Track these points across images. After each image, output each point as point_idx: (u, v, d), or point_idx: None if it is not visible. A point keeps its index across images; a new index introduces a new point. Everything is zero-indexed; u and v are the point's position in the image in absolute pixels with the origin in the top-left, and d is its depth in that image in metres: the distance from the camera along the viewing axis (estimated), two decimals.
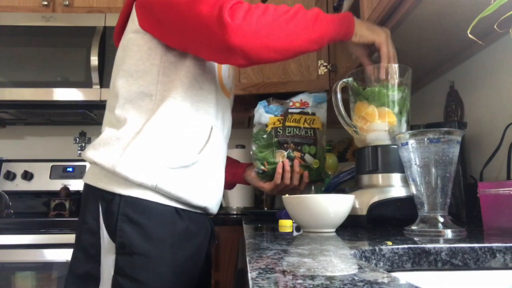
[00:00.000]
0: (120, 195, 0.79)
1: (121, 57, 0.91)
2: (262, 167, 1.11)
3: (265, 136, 1.17)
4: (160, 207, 0.81)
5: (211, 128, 0.91)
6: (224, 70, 0.98)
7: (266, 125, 1.18)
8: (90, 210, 0.82)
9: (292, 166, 1.10)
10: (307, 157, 1.12)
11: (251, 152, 1.17)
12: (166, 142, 0.83)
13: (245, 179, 1.16)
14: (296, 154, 1.11)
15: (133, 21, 0.89)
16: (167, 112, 0.85)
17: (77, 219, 0.89)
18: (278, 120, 1.18)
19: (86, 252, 0.81)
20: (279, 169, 1.07)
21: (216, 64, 0.95)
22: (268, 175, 1.12)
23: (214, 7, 0.75)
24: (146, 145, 0.81)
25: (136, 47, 0.87)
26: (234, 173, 1.15)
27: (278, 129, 1.15)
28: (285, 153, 1.11)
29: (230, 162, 1.17)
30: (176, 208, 0.84)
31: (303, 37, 0.82)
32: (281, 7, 0.81)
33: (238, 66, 0.85)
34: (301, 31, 0.81)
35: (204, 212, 0.92)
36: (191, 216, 0.87)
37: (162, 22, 0.84)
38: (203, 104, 0.90)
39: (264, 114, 1.20)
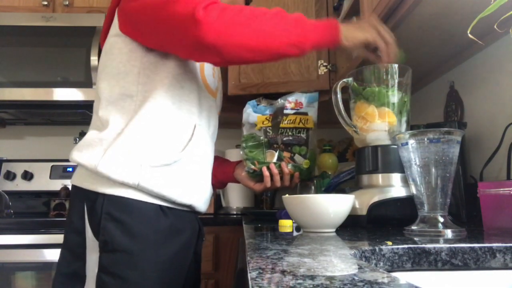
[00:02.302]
0: (104, 194, 0.81)
1: (103, 61, 0.93)
2: (253, 167, 1.11)
3: (255, 135, 1.16)
4: (143, 205, 0.82)
5: (194, 127, 0.92)
6: (207, 70, 0.98)
7: (255, 125, 1.17)
8: (76, 210, 0.84)
9: (280, 167, 1.09)
10: (297, 157, 1.12)
11: (241, 152, 1.16)
12: (147, 141, 0.84)
13: (235, 178, 1.17)
14: (286, 154, 1.11)
15: (114, 26, 0.91)
16: (149, 112, 0.86)
17: None
18: (266, 119, 1.17)
19: (72, 251, 0.83)
20: (265, 173, 1.08)
21: (198, 64, 0.96)
22: (258, 175, 1.12)
23: (188, 6, 0.75)
24: (127, 145, 0.83)
25: (117, 50, 0.90)
26: (224, 171, 1.16)
27: (268, 129, 1.15)
28: (275, 153, 1.11)
29: (220, 161, 1.18)
30: (160, 206, 0.85)
31: (281, 39, 0.80)
32: (260, 9, 0.80)
33: (214, 64, 0.85)
34: (279, 32, 0.79)
35: (190, 209, 0.93)
36: (176, 214, 0.88)
37: (139, 23, 0.86)
38: (185, 103, 0.91)
39: (252, 114, 1.20)
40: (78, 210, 0.83)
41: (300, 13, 0.84)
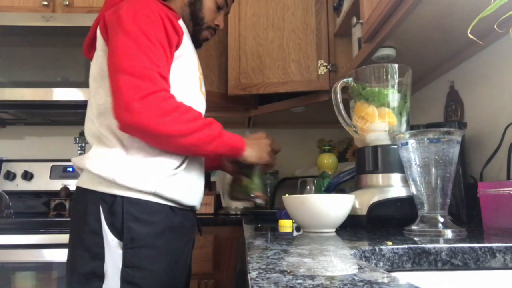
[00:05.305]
0: (122, 197, 0.86)
1: (94, 72, 0.96)
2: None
3: None
4: (159, 206, 0.89)
5: None
6: (203, 84, 1.06)
7: None
8: (91, 212, 0.86)
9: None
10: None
11: None
12: (157, 153, 0.90)
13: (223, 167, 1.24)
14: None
15: (100, 40, 0.95)
16: None
17: None
18: None
19: (91, 251, 0.85)
20: None
21: (196, 77, 1.02)
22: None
23: (131, 87, 0.81)
24: (139, 158, 0.88)
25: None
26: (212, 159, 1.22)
27: None
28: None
29: None
30: (170, 206, 0.92)
31: (197, 150, 0.89)
32: (189, 114, 0.87)
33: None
34: (199, 146, 0.88)
35: (191, 209, 1.01)
36: (183, 213, 0.96)
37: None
38: None
39: None
40: (94, 212, 0.86)
41: (220, 129, 0.92)
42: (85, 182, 0.90)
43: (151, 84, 0.82)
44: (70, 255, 0.90)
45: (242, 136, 0.99)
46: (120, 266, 0.84)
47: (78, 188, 0.92)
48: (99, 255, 0.84)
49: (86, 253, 0.85)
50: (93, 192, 0.87)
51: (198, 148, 0.88)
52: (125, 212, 0.85)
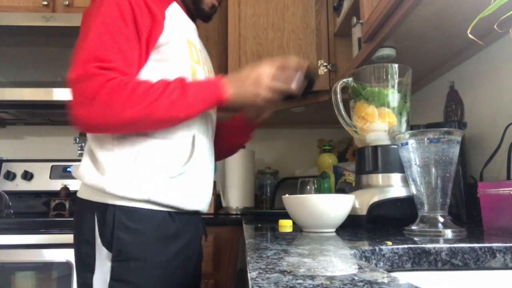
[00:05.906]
0: (114, 205, 0.82)
1: None
2: None
3: None
4: (154, 213, 0.84)
5: (193, 137, 0.91)
6: (199, 74, 0.96)
7: None
8: (86, 222, 0.84)
9: None
10: None
11: None
12: (150, 157, 0.85)
13: (247, 122, 1.16)
14: None
15: None
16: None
17: None
18: None
19: (83, 261, 0.84)
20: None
21: (189, 73, 0.93)
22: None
23: (73, 93, 0.76)
24: (131, 164, 0.83)
25: None
26: (237, 132, 1.16)
27: None
28: None
29: (224, 128, 1.15)
30: (169, 212, 0.87)
31: (163, 116, 0.79)
32: (145, 89, 0.78)
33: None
34: (161, 113, 0.79)
35: (195, 213, 0.95)
36: (183, 218, 0.90)
37: None
38: None
39: None
40: (88, 221, 0.83)
41: (183, 81, 0.81)
42: (82, 193, 0.88)
43: (89, 82, 0.75)
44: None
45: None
46: (108, 280, 0.80)
47: (77, 198, 0.89)
48: (90, 266, 0.82)
49: (80, 263, 0.84)
50: (88, 202, 0.85)
51: (170, 123, 0.81)
52: (116, 221, 0.81)
